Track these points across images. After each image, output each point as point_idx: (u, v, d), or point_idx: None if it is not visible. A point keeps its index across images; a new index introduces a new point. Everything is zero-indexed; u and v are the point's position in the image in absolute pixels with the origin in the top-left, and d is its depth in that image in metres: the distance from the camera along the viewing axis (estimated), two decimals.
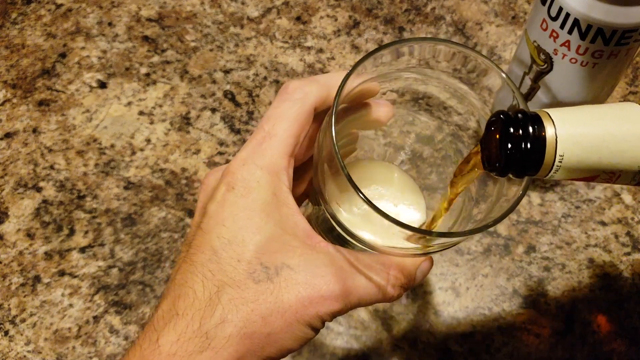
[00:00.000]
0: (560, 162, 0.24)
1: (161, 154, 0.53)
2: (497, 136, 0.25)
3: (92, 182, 0.51)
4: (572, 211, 0.51)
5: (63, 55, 0.57)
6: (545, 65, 0.43)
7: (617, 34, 0.39)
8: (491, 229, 0.50)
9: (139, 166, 0.52)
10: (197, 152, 0.53)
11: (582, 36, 0.39)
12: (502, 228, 0.50)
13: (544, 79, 0.44)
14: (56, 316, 0.46)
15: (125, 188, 0.51)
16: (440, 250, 0.31)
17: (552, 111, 0.24)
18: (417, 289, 0.48)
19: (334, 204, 0.30)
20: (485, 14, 0.61)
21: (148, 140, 0.53)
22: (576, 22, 0.39)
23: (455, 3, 0.61)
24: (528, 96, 0.46)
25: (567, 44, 0.41)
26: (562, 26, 0.40)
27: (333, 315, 0.28)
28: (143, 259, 0.48)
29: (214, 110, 0.55)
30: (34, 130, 0.53)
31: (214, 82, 0.56)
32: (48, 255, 0.48)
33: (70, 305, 0.46)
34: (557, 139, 0.24)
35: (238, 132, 0.54)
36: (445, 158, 0.37)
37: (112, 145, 0.53)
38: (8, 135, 0.53)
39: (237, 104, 0.55)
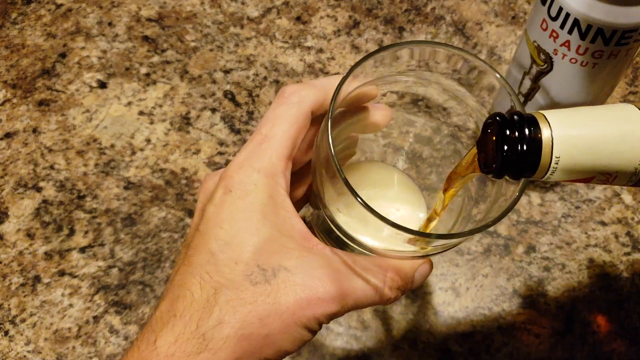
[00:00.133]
0: (557, 163, 0.24)
1: (161, 154, 0.53)
2: (493, 138, 0.25)
3: (92, 182, 0.51)
4: (572, 211, 0.51)
5: (63, 55, 0.57)
6: (545, 66, 0.43)
7: (617, 34, 0.38)
8: (491, 229, 0.50)
9: (139, 166, 0.52)
10: (197, 152, 0.53)
11: (582, 36, 0.39)
12: (502, 228, 0.50)
13: (544, 79, 0.44)
14: (56, 316, 0.46)
15: (125, 188, 0.51)
16: (440, 252, 0.31)
17: (548, 113, 0.24)
18: (417, 290, 0.48)
19: (332, 207, 0.30)
20: (485, 14, 0.61)
21: (148, 140, 0.53)
22: (576, 22, 0.39)
23: (455, 3, 0.61)
24: (528, 96, 0.46)
25: (567, 44, 0.40)
26: (562, 26, 0.40)
27: (330, 317, 0.28)
28: (143, 259, 0.48)
29: (214, 110, 0.55)
30: (34, 130, 0.54)
31: (214, 82, 0.56)
32: (48, 255, 0.48)
33: (70, 305, 0.47)
34: (553, 141, 0.24)
35: (238, 132, 0.54)
36: (444, 158, 0.37)
37: (112, 145, 0.53)
38: (8, 135, 0.53)
39: (237, 104, 0.55)
